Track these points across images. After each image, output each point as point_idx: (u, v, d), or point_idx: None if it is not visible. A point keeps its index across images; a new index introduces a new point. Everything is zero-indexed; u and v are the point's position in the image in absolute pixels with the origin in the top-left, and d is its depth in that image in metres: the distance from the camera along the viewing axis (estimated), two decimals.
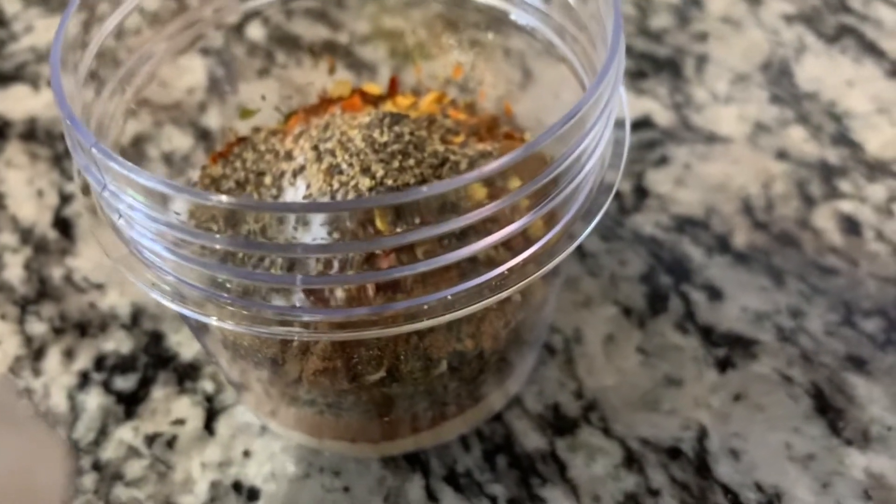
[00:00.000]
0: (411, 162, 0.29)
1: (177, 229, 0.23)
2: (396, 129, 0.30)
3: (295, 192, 0.29)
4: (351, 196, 0.28)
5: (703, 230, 0.40)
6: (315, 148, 0.30)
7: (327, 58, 0.37)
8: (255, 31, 0.38)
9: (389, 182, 0.28)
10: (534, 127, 0.36)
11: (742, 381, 0.35)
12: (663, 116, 0.45)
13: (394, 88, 0.37)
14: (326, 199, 0.28)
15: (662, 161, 0.43)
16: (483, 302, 0.24)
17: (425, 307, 0.24)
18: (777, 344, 0.36)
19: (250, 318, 0.25)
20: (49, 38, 0.51)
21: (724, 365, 0.36)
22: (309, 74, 0.38)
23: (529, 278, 0.25)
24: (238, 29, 0.36)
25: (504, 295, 0.24)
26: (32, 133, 0.45)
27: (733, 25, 0.50)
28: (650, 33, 0.50)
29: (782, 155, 0.43)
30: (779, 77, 0.47)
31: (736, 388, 0.35)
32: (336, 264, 0.25)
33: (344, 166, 0.29)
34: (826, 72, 0.48)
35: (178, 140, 0.35)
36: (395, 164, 0.29)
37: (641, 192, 0.42)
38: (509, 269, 0.25)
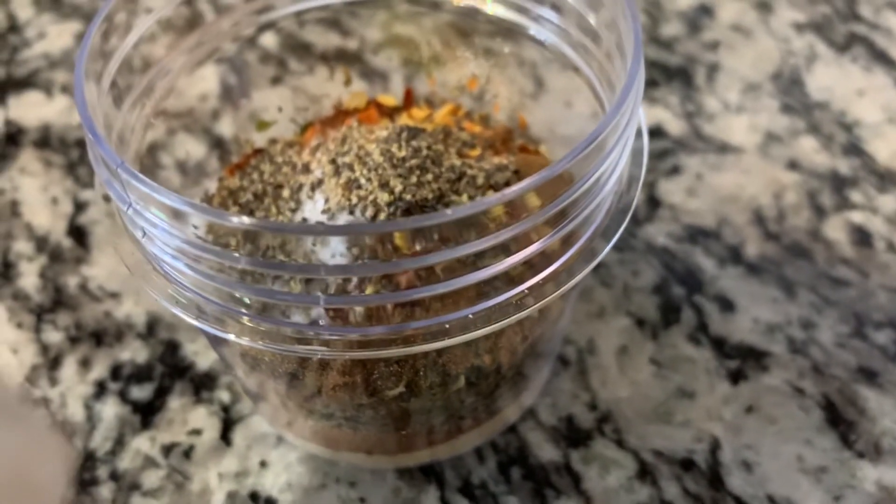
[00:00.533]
0: (429, 177, 0.29)
1: (199, 248, 0.24)
2: (414, 143, 0.30)
3: (313, 206, 0.30)
4: (370, 210, 0.28)
5: (715, 241, 0.40)
6: (333, 162, 0.30)
7: (343, 69, 0.37)
8: (268, 39, 0.38)
9: (408, 197, 0.28)
10: (547, 137, 0.36)
11: (754, 393, 0.35)
12: (675, 126, 0.46)
13: (409, 100, 0.37)
14: (345, 213, 0.29)
15: (674, 171, 0.43)
16: (503, 321, 0.24)
17: (446, 326, 0.24)
18: (788, 356, 0.36)
19: (269, 334, 0.25)
20: (62, 45, 0.51)
21: (736, 377, 0.36)
22: (324, 85, 0.38)
23: (550, 297, 0.25)
24: (251, 37, 0.36)
25: (524, 314, 0.24)
26: (46, 140, 0.46)
27: (744, 34, 0.50)
28: (661, 41, 0.50)
29: (793, 165, 0.43)
30: (790, 86, 0.47)
31: (748, 400, 0.35)
32: (354, 279, 0.26)
33: (362, 181, 0.29)
34: (837, 81, 0.48)
35: (192, 148, 0.36)
36: (413, 178, 0.29)
37: (653, 202, 0.42)
38: (529, 288, 0.25)
